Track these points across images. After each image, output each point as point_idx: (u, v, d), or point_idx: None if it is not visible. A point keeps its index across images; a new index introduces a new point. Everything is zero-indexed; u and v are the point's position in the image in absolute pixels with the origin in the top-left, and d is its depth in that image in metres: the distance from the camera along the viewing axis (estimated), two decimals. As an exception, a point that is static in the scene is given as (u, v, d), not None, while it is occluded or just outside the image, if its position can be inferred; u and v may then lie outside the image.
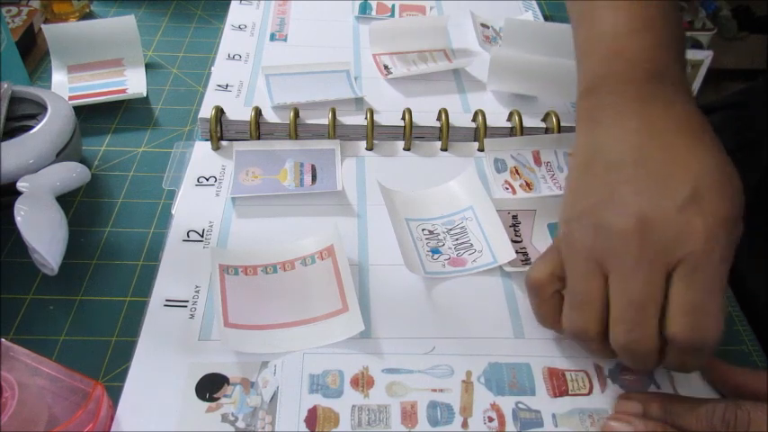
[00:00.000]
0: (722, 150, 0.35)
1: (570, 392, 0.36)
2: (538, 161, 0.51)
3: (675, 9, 0.40)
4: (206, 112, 0.52)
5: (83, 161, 0.50)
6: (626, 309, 0.32)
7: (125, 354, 0.38)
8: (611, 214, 0.33)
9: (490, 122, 0.52)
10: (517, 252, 0.44)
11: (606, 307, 0.33)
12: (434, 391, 0.36)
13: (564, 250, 0.36)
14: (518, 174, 0.50)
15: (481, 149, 0.52)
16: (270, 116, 0.53)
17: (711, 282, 0.32)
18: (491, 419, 0.35)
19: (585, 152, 0.37)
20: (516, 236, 0.45)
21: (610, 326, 0.33)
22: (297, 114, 0.52)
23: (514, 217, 0.47)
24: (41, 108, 0.49)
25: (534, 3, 0.72)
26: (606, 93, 0.37)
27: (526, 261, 0.44)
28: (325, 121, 0.52)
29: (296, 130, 0.52)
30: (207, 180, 0.49)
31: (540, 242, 0.45)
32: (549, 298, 0.37)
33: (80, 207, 0.47)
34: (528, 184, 0.49)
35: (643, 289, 0.32)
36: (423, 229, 0.46)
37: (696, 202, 0.32)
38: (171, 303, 0.40)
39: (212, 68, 0.59)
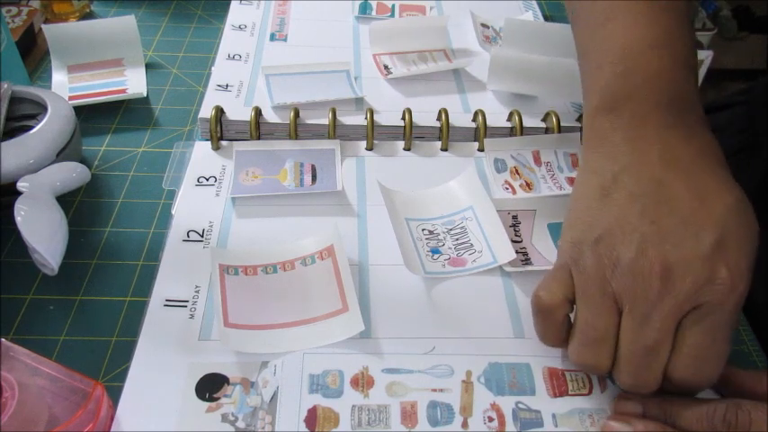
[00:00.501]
0: (738, 186, 0.34)
1: (570, 392, 0.36)
2: (538, 161, 0.51)
3: (690, 23, 0.39)
4: (206, 112, 0.52)
5: (83, 161, 0.50)
6: (638, 353, 0.32)
7: (125, 354, 0.38)
8: (634, 252, 0.32)
9: (490, 122, 0.52)
10: (517, 252, 0.44)
11: (616, 345, 0.33)
12: (434, 391, 0.36)
13: (577, 276, 0.34)
14: (518, 174, 0.50)
15: (481, 149, 0.52)
16: (270, 116, 0.53)
17: (722, 329, 0.32)
18: (491, 419, 0.35)
19: (603, 175, 0.35)
20: (516, 236, 0.45)
21: (618, 363, 0.33)
22: (297, 114, 0.52)
23: (514, 217, 0.47)
24: (41, 108, 0.49)
25: (534, 3, 0.72)
26: (624, 114, 0.36)
27: (526, 261, 0.44)
28: (326, 121, 0.52)
29: (296, 130, 0.52)
30: (207, 180, 0.49)
31: (540, 242, 0.45)
32: (560, 322, 0.35)
33: (80, 207, 0.47)
34: (528, 184, 0.49)
35: (657, 335, 0.32)
36: (423, 229, 0.46)
37: (720, 251, 0.32)
38: (171, 303, 0.40)
39: (212, 68, 0.59)
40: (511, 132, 0.53)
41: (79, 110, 0.54)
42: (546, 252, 0.44)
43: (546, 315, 0.36)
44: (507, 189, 0.49)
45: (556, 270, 0.36)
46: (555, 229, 0.46)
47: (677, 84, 0.36)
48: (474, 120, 0.53)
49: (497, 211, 0.45)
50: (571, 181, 0.49)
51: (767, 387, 0.34)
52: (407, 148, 0.53)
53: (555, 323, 0.35)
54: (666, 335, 0.32)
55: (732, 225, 0.32)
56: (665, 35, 0.37)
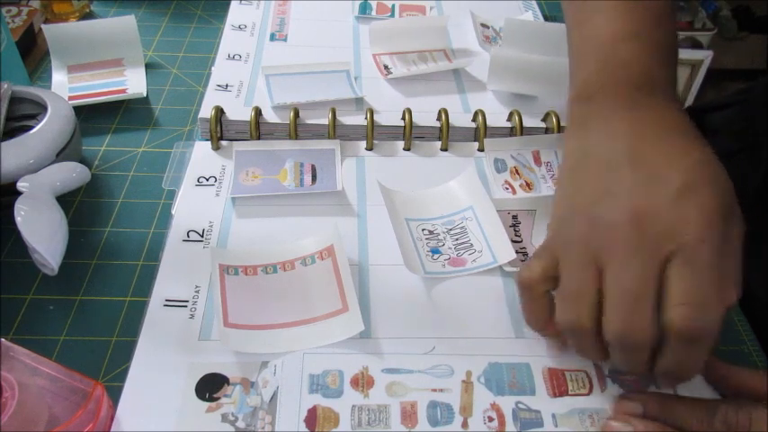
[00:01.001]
0: (711, 151, 0.35)
1: (570, 392, 0.36)
2: (538, 161, 0.51)
3: (670, 15, 0.40)
4: (206, 112, 0.52)
5: (83, 161, 0.50)
6: (621, 297, 0.32)
7: (125, 354, 0.38)
8: (606, 208, 0.34)
9: (490, 122, 0.52)
10: (517, 252, 0.44)
11: (599, 301, 0.33)
12: (434, 390, 0.36)
13: (558, 247, 0.36)
14: (518, 174, 0.50)
15: (481, 149, 0.52)
16: (270, 116, 0.53)
17: (708, 271, 0.32)
18: (491, 419, 0.35)
19: (575, 155, 0.38)
20: (516, 236, 0.45)
21: (604, 315, 0.33)
22: (297, 114, 0.52)
23: (514, 217, 0.47)
24: (41, 108, 0.49)
25: (534, 3, 0.72)
26: (597, 100, 0.38)
27: (526, 261, 0.44)
28: (325, 121, 0.52)
29: (296, 130, 0.52)
30: (207, 180, 0.49)
31: (540, 242, 0.45)
32: (540, 297, 0.36)
33: (80, 207, 0.47)
34: (528, 184, 0.49)
35: (638, 278, 0.32)
36: (423, 229, 0.46)
37: (688, 194, 0.33)
38: (171, 303, 0.40)
39: (212, 68, 0.59)
40: (511, 132, 0.53)
41: (79, 110, 0.54)
42: (546, 252, 0.44)
43: (526, 290, 0.37)
44: (507, 189, 0.49)
45: (538, 250, 0.37)
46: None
47: (648, 71, 0.38)
48: (474, 120, 0.53)
49: (497, 211, 0.45)
50: (571, 181, 0.49)
51: (767, 387, 0.34)
52: (407, 148, 0.53)
53: (535, 299, 0.36)
54: (648, 278, 0.32)
55: (700, 173, 0.33)
56: (638, 28, 0.39)
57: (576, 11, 0.43)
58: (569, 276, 0.34)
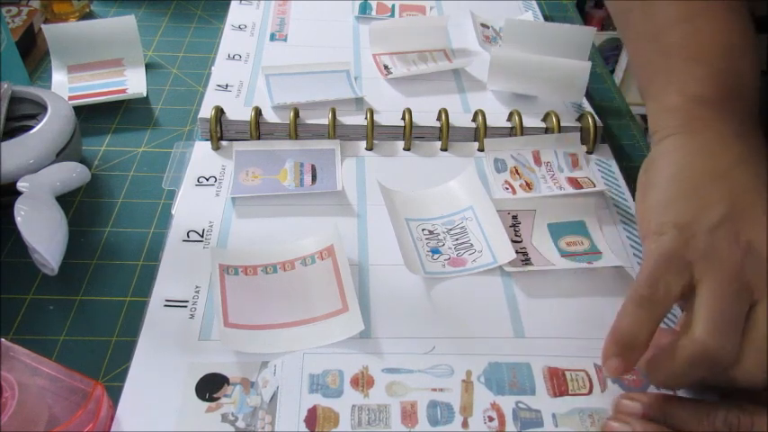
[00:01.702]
0: None
1: (570, 392, 0.36)
2: (538, 161, 0.51)
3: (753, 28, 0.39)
4: (206, 112, 0.52)
5: (83, 161, 0.50)
6: (716, 317, 0.31)
7: (125, 354, 0.37)
8: (716, 230, 0.32)
9: (490, 122, 0.52)
10: (517, 252, 0.44)
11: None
12: (434, 390, 0.36)
13: (697, 261, 0.32)
14: (518, 174, 0.50)
15: (481, 149, 0.52)
16: (270, 116, 0.53)
17: None
18: (491, 419, 0.35)
19: (715, 159, 0.35)
20: (516, 236, 0.45)
21: (748, 352, 0.31)
22: (297, 114, 0.52)
23: (514, 217, 0.47)
24: (41, 108, 0.49)
25: (534, 3, 0.72)
26: (730, 109, 0.36)
27: (526, 261, 0.44)
28: (325, 121, 0.52)
29: (296, 130, 0.52)
30: (207, 180, 0.49)
31: (539, 242, 0.45)
32: (661, 316, 0.33)
33: (80, 207, 0.47)
34: (528, 184, 0.49)
35: (735, 307, 0.31)
36: (423, 229, 0.46)
37: None
38: (171, 303, 0.40)
39: (212, 68, 0.59)
40: (511, 132, 0.53)
41: (79, 110, 0.54)
42: (546, 252, 0.44)
43: (653, 309, 0.33)
44: (507, 189, 0.49)
45: (665, 259, 0.33)
46: (554, 229, 0.46)
47: (757, 90, 0.37)
48: (474, 120, 0.53)
49: (497, 211, 0.45)
50: (571, 181, 0.49)
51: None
52: (407, 148, 0.53)
53: (656, 320, 0.33)
54: (743, 308, 0.30)
55: None
56: (750, 42, 0.37)
57: (673, 9, 0.40)
58: (725, 305, 0.31)
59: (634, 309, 0.33)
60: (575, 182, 0.49)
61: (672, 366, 0.32)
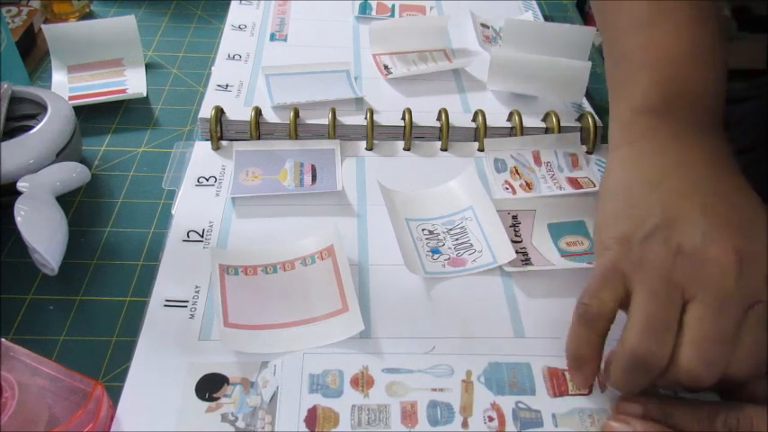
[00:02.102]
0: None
1: (570, 392, 0.36)
2: (538, 161, 0.51)
3: (723, 38, 0.39)
4: (206, 112, 0.52)
5: (83, 161, 0.50)
6: (709, 338, 0.31)
7: (125, 354, 0.37)
8: (700, 240, 0.32)
9: (490, 122, 0.52)
10: (517, 252, 0.44)
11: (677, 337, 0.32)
12: (434, 390, 0.36)
13: (633, 271, 0.33)
14: (518, 174, 0.50)
15: (481, 149, 0.52)
16: (270, 116, 0.53)
17: (722, 320, 0.31)
18: (491, 419, 0.35)
19: (648, 169, 0.35)
20: (516, 236, 0.45)
21: (683, 353, 0.31)
22: (297, 114, 0.52)
23: (514, 217, 0.47)
24: (41, 108, 0.49)
25: (534, 3, 0.72)
26: (670, 116, 0.37)
27: (526, 261, 0.44)
28: (325, 121, 0.52)
29: (296, 130, 0.52)
30: (207, 180, 0.49)
31: (539, 242, 0.45)
32: (603, 330, 0.34)
33: (80, 207, 0.47)
34: (528, 184, 0.49)
35: (729, 323, 0.31)
36: (423, 229, 0.46)
37: (733, 234, 0.32)
38: (171, 303, 0.40)
39: (212, 68, 0.59)
40: (511, 132, 0.53)
41: (79, 110, 0.54)
42: (546, 252, 0.44)
43: (590, 322, 0.34)
44: (507, 189, 0.49)
45: (602, 274, 0.34)
46: (554, 229, 0.46)
47: (716, 95, 0.37)
48: (474, 120, 0.53)
49: (497, 211, 0.45)
50: (571, 181, 0.49)
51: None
52: (407, 148, 0.53)
53: (598, 333, 0.34)
54: (736, 324, 0.31)
55: (741, 209, 0.33)
56: (705, 49, 0.38)
57: (628, 14, 0.41)
58: (654, 308, 0.32)
59: (575, 326, 0.35)
60: (575, 182, 0.49)
61: (614, 374, 0.33)
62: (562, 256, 0.44)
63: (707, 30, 0.38)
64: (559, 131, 0.52)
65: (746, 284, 0.31)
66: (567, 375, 0.37)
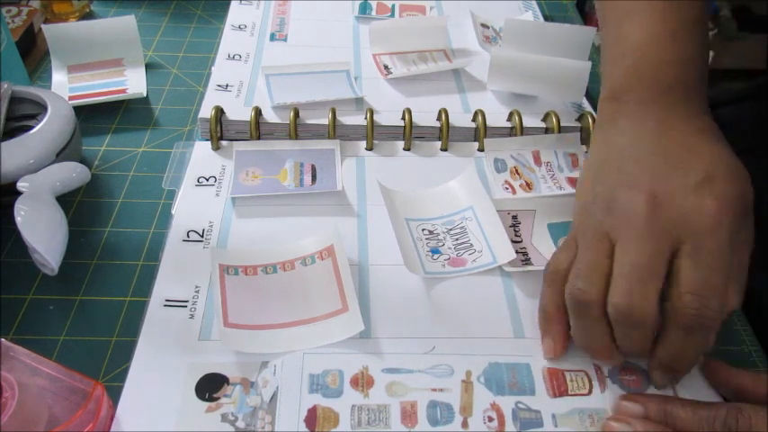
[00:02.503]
0: (732, 151, 0.36)
1: (570, 392, 0.36)
2: (538, 161, 0.51)
3: (702, 23, 0.41)
4: (206, 112, 0.52)
5: (83, 161, 0.50)
6: (629, 271, 0.33)
7: (125, 354, 0.38)
8: (624, 193, 0.35)
9: (490, 122, 0.52)
10: (517, 252, 0.44)
11: (609, 278, 0.34)
12: (434, 390, 0.36)
13: (578, 231, 0.37)
14: (518, 174, 0.50)
15: (481, 149, 0.52)
16: (270, 116, 0.53)
17: (718, 261, 0.32)
18: (491, 419, 0.35)
19: (600, 151, 0.39)
20: (516, 236, 0.45)
21: (610, 289, 0.34)
22: (297, 114, 0.52)
23: (514, 217, 0.47)
24: (41, 108, 0.49)
25: (534, 3, 0.72)
26: (627, 100, 0.40)
27: (526, 261, 0.44)
28: (325, 121, 0.52)
29: (296, 130, 0.52)
30: (207, 180, 0.49)
31: (540, 242, 0.45)
32: (563, 288, 0.36)
33: (80, 207, 0.47)
34: (528, 184, 0.49)
35: (648, 255, 0.33)
36: (423, 229, 0.46)
37: (708, 186, 0.34)
38: (171, 303, 0.40)
39: (212, 68, 0.59)
40: (511, 132, 0.53)
41: (79, 110, 0.54)
42: (546, 252, 0.44)
43: (551, 281, 0.37)
44: (507, 189, 0.49)
45: (562, 242, 0.39)
46: (555, 229, 0.46)
47: (680, 74, 0.39)
48: (474, 120, 0.53)
49: (497, 211, 0.45)
50: (571, 181, 0.50)
51: (767, 389, 0.34)
52: (407, 148, 0.53)
53: (559, 290, 0.37)
54: (658, 258, 0.33)
55: (721, 167, 0.35)
56: (672, 32, 0.40)
57: (611, 12, 0.44)
58: (583, 251, 0.36)
59: (543, 289, 0.38)
60: (575, 182, 0.49)
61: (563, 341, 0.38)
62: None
63: (677, 17, 0.40)
64: (559, 131, 0.52)
65: (660, 220, 0.33)
66: (567, 376, 0.37)
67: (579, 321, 0.36)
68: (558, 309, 0.37)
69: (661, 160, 0.36)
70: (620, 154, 0.37)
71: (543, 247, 0.45)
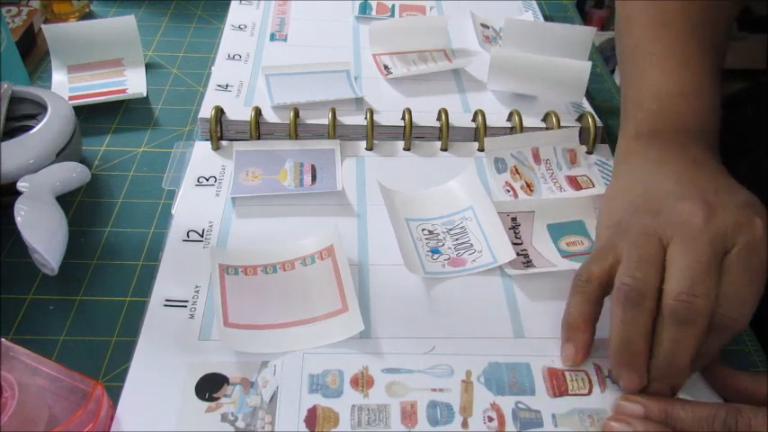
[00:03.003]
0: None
1: (570, 392, 0.36)
2: (537, 159, 0.51)
3: (717, 73, 0.44)
4: (206, 112, 0.52)
5: (83, 161, 0.50)
6: (690, 266, 0.34)
7: (125, 354, 0.38)
8: (676, 200, 0.36)
9: (490, 122, 0.52)
10: (518, 254, 0.44)
11: (663, 273, 0.34)
12: (434, 390, 0.36)
13: (620, 239, 0.37)
14: (518, 173, 0.50)
15: (481, 149, 0.52)
16: (270, 116, 0.53)
17: (759, 272, 0.34)
18: (491, 419, 0.35)
19: (629, 176, 0.41)
20: (516, 238, 0.45)
21: (670, 283, 0.34)
22: (297, 114, 0.52)
23: (514, 219, 0.47)
24: (41, 108, 0.49)
25: (534, 3, 0.72)
26: (656, 142, 0.42)
27: (527, 263, 0.44)
28: (325, 121, 0.52)
29: (296, 130, 0.52)
30: (207, 180, 0.49)
31: (540, 243, 0.45)
32: (595, 296, 0.37)
33: (80, 207, 0.47)
34: (528, 185, 0.49)
35: (707, 254, 0.34)
36: (423, 229, 0.46)
37: (752, 207, 0.36)
38: (171, 303, 0.40)
39: (212, 68, 0.59)
40: (511, 132, 0.53)
41: (79, 110, 0.54)
42: (546, 253, 0.44)
43: (581, 291, 0.37)
44: (509, 191, 0.49)
45: (594, 251, 0.39)
46: (554, 230, 0.46)
47: (699, 125, 0.42)
48: (474, 120, 0.53)
49: (497, 213, 0.45)
50: (570, 179, 0.50)
51: (767, 390, 0.34)
52: (407, 148, 0.53)
53: (588, 300, 0.37)
54: (714, 258, 0.34)
55: (756, 200, 0.37)
56: (693, 85, 0.43)
57: (632, 66, 0.46)
58: (630, 249, 0.36)
59: (570, 296, 0.38)
60: (574, 181, 0.49)
61: (613, 314, 0.36)
62: (563, 257, 0.44)
63: (697, 69, 0.43)
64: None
65: (715, 225, 0.34)
66: (567, 376, 0.37)
67: (628, 314, 0.35)
68: (585, 317, 0.37)
69: (705, 181, 0.37)
70: (659, 174, 0.39)
71: (544, 248, 0.45)
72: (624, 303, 0.35)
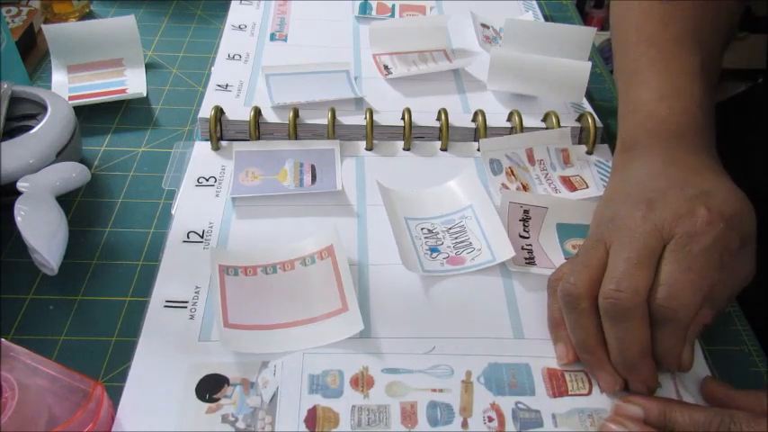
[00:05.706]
0: (737, 187, 0.38)
1: (570, 392, 0.36)
2: (531, 160, 0.51)
3: (708, 69, 0.44)
4: (206, 112, 0.52)
5: (83, 161, 0.50)
6: (617, 264, 0.35)
7: (125, 354, 0.38)
8: (625, 205, 0.38)
9: (490, 122, 0.52)
10: (523, 248, 0.44)
11: (599, 275, 0.36)
12: (434, 390, 0.36)
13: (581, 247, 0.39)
14: (513, 175, 0.50)
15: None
16: (270, 116, 0.53)
17: (697, 260, 0.34)
18: (491, 419, 0.35)
19: (616, 186, 0.42)
20: (525, 231, 0.45)
21: (603, 280, 0.35)
22: (296, 114, 0.52)
23: (526, 212, 0.46)
24: (41, 108, 0.49)
25: (534, 3, 0.72)
26: (639, 147, 0.43)
27: (530, 260, 0.44)
28: (325, 121, 0.52)
29: (296, 130, 0.52)
30: (207, 180, 0.49)
31: (546, 241, 0.45)
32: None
33: (80, 207, 0.47)
34: (524, 187, 0.49)
35: (636, 250, 0.35)
36: (422, 228, 0.46)
37: (703, 198, 0.36)
38: (171, 304, 0.40)
39: (212, 68, 0.59)
40: (511, 133, 0.53)
41: (79, 110, 0.54)
42: (550, 252, 0.44)
43: (552, 290, 0.40)
44: (506, 191, 0.49)
45: (571, 257, 0.42)
46: (563, 230, 0.46)
47: (683, 124, 0.42)
48: (474, 120, 0.53)
49: (510, 203, 0.45)
50: (564, 180, 0.50)
51: (767, 407, 0.34)
52: (407, 148, 0.53)
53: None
54: (645, 251, 0.35)
55: (719, 190, 0.37)
56: (673, 90, 0.44)
57: (624, 81, 0.47)
58: (580, 253, 0.38)
59: (549, 297, 0.40)
60: (567, 181, 0.49)
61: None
62: (566, 258, 0.44)
63: (677, 76, 0.44)
64: (559, 131, 0.52)
65: (651, 221, 0.36)
66: (567, 376, 0.37)
67: (570, 318, 0.37)
68: (561, 313, 0.38)
69: (662, 179, 0.39)
70: (628, 183, 0.40)
71: (549, 247, 0.45)
72: (564, 308, 0.37)
